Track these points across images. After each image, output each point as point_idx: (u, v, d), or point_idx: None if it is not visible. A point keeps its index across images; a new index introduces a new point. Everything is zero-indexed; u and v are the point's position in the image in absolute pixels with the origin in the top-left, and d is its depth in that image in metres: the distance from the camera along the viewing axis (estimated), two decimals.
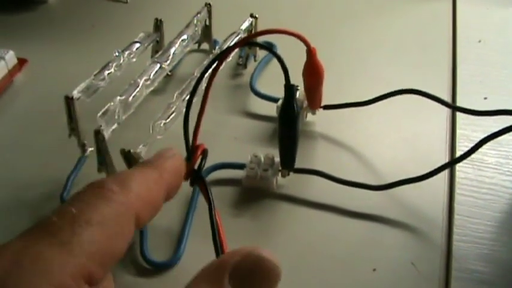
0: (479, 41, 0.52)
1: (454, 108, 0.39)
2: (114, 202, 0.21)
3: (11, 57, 0.49)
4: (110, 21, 0.57)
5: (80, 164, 0.39)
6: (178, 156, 0.26)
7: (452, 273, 0.33)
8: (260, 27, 0.44)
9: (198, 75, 0.31)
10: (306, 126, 0.42)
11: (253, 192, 0.38)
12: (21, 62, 0.50)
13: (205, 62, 0.40)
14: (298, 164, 0.37)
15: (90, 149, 0.38)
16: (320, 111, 0.42)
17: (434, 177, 0.36)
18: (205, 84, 0.29)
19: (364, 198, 0.37)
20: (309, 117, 0.43)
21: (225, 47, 0.41)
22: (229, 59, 0.40)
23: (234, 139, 0.42)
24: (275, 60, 0.34)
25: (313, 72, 0.37)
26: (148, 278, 0.33)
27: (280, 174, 0.37)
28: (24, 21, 0.57)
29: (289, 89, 0.34)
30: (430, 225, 0.36)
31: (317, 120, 0.43)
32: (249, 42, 0.35)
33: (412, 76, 0.48)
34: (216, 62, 0.29)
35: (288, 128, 0.35)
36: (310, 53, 0.37)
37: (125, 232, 0.21)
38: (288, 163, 0.36)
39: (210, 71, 0.29)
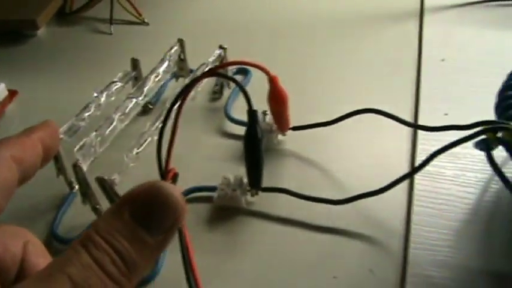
0: (443, 60, 0.55)
1: (408, 124, 0.42)
2: None
3: (2, 89, 0.52)
4: (95, 51, 0.60)
5: (68, 200, 0.42)
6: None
7: (407, 278, 0.36)
8: (232, 57, 0.48)
9: (168, 106, 0.34)
10: (276, 146, 0.45)
11: (225, 210, 0.40)
12: (12, 93, 0.53)
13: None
14: (267, 182, 0.40)
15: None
16: (290, 132, 0.45)
17: (395, 190, 0.39)
18: (175, 113, 0.32)
19: (328, 212, 0.40)
20: (280, 137, 0.46)
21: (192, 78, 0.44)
22: (205, 85, 0.44)
23: (208, 160, 0.45)
24: (250, 86, 0.37)
25: (275, 98, 0.41)
26: None
27: (250, 193, 0.40)
28: (14, 54, 0.60)
29: (251, 114, 0.38)
30: (389, 234, 0.38)
31: (287, 140, 0.46)
32: (212, 73, 0.38)
33: (378, 95, 0.51)
34: (184, 93, 0.33)
35: (251, 150, 0.38)
36: (271, 81, 0.40)
37: None
38: (255, 183, 0.39)
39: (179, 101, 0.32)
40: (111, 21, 0.62)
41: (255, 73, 0.50)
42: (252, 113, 0.37)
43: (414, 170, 0.38)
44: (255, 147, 0.38)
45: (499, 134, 0.36)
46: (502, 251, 0.38)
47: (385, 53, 0.57)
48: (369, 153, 0.45)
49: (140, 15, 0.62)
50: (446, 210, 0.40)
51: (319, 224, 0.39)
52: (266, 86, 0.40)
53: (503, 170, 0.36)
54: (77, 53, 0.60)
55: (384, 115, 0.41)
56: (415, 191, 0.42)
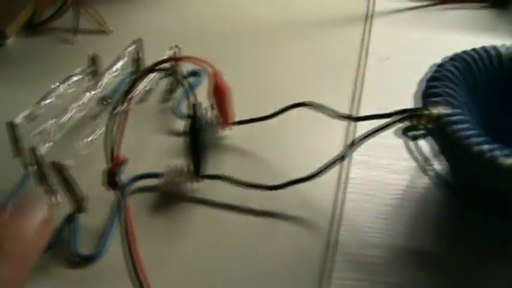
0: (388, 59, 0.58)
1: (337, 116, 0.44)
2: None
3: None
4: (61, 60, 0.62)
5: (24, 180, 0.44)
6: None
7: (336, 257, 0.38)
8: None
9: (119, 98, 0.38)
10: (221, 139, 0.48)
11: (169, 198, 0.43)
12: None
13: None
14: (211, 171, 0.43)
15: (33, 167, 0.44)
16: (236, 126, 0.48)
17: (329, 178, 0.41)
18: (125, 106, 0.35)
19: (265, 197, 0.42)
20: (226, 131, 0.48)
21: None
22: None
23: (156, 154, 0.47)
24: (201, 87, 0.40)
25: (216, 91, 0.43)
26: (76, 269, 0.38)
27: (191, 180, 0.43)
28: None
29: (192, 107, 0.40)
30: (321, 218, 0.41)
31: (233, 134, 0.49)
32: (151, 69, 0.41)
33: (322, 90, 0.53)
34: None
35: (191, 140, 0.41)
36: (214, 75, 0.43)
37: None
38: (195, 170, 0.42)
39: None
40: (76, 30, 0.65)
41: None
42: (192, 106, 0.40)
43: (342, 157, 0.40)
44: (194, 137, 0.40)
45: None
46: (426, 232, 0.40)
47: (332, 53, 0.60)
48: (305, 144, 0.48)
49: (104, 23, 0.65)
50: (378, 196, 0.43)
51: (256, 208, 0.42)
52: None
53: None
54: (44, 62, 0.62)
55: (315, 108, 0.44)
56: (350, 179, 0.44)
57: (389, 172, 0.45)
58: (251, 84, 0.54)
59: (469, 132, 0.37)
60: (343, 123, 0.49)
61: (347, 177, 0.44)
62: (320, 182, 0.41)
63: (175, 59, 0.40)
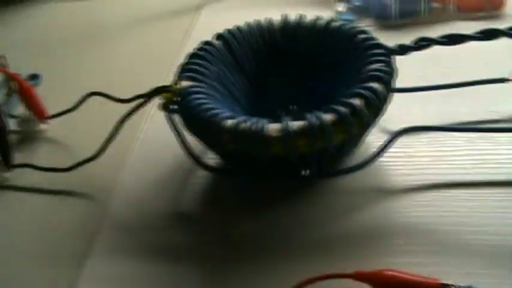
0: None
1: (116, 100, 0.49)
2: None
3: None
4: None
5: None
6: None
7: (105, 223, 0.43)
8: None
9: None
10: (40, 133, 0.54)
11: None
12: None
13: None
14: (25, 161, 0.49)
15: None
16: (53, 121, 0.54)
17: (113, 157, 0.47)
18: None
19: (62, 178, 0.48)
20: (43, 126, 0.54)
21: None
22: None
23: None
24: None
25: (21, 93, 0.52)
26: None
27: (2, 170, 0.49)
28: None
29: None
30: (103, 192, 0.47)
31: (49, 128, 0.55)
32: None
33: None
34: None
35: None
36: (13, 77, 0.50)
37: None
38: (5, 161, 0.48)
39: None
40: None
41: (45, 75, 0.60)
42: None
43: (110, 137, 0.46)
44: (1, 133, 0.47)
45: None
46: (190, 197, 0.45)
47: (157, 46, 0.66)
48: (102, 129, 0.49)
49: None
50: (152, 169, 0.48)
51: (50, 188, 0.48)
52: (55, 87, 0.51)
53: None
54: None
55: (103, 96, 0.49)
56: (133, 157, 0.50)
57: (164, 146, 0.49)
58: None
59: (200, 101, 0.41)
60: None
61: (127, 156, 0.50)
62: (104, 160, 0.46)
63: None
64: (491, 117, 0.47)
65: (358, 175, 0.43)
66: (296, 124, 0.38)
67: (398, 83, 0.43)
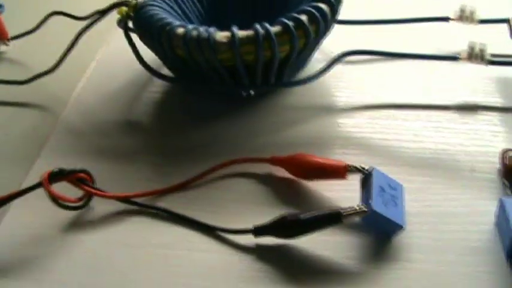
0: None
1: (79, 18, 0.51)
2: None
3: None
4: None
5: None
6: None
7: (57, 127, 0.45)
8: None
9: None
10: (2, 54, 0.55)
11: None
12: None
13: None
14: None
15: None
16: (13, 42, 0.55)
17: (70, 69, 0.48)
18: None
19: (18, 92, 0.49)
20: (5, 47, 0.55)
21: None
22: None
23: None
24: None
25: None
26: None
27: None
28: None
29: None
30: (59, 103, 0.48)
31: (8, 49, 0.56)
32: None
33: None
34: None
35: None
36: None
37: None
38: None
39: None
40: None
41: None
42: None
43: (69, 49, 0.47)
44: None
45: None
46: (141, 105, 0.47)
47: None
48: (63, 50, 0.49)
49: None
50: (112, 86, 0.50)
51: (11, 101, 0.49)
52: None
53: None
54: None
55: (64, 15, 0.51)
56: (91, 73, 0.51)
57: (121, 64, 0.51)
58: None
59: (154, 12, 0.43)
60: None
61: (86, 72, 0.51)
62: (62, 75, 0.48)
63: None
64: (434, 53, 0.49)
65: (302, 93, 0.46)
66: (244, 32, 0.40)
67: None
